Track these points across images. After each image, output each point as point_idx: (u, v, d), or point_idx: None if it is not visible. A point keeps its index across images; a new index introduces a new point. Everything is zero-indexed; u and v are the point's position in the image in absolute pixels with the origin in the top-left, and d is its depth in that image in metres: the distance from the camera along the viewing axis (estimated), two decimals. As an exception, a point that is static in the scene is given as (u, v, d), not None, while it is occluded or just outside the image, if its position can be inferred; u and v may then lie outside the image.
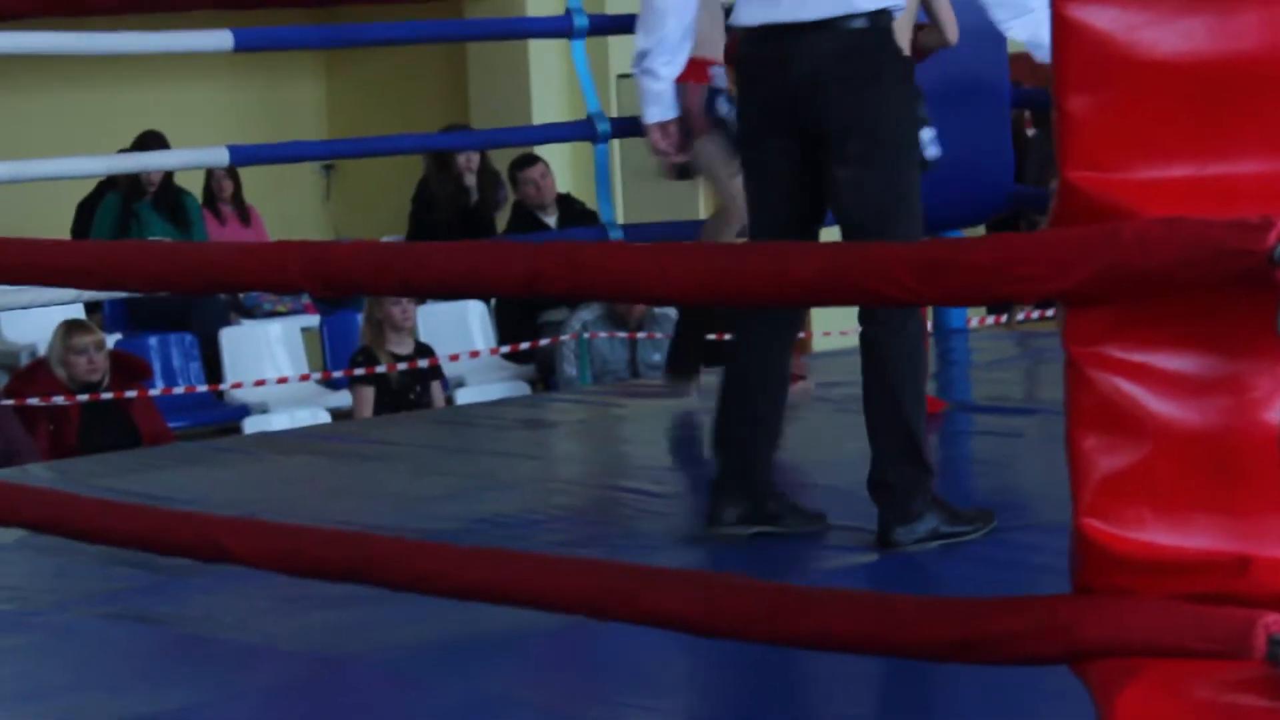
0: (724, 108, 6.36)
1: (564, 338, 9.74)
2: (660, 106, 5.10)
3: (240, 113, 13.86)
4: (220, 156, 7.98)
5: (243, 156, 8.21)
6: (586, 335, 9.56)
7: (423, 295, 8.60)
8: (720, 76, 6.39)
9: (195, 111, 13.09)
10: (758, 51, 4.72)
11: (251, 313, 10.67)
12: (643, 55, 4.98)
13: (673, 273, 2.44)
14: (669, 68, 5.00)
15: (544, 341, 10.05)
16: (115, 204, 10.78)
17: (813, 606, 2.56)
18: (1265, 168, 2.07)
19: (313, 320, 10.75)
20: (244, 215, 11.66)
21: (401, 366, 9.15)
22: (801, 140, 4.67)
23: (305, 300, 10.88)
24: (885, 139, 4.63)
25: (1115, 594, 2.12)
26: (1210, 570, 2.08)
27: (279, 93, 14.41)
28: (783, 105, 4.68)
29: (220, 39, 7.36)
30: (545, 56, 11.91)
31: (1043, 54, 4.60)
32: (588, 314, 9.67)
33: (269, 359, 10.16)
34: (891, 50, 4.70)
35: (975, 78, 7.19)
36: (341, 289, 3.88)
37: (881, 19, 4.59)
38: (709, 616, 2.56)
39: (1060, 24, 2.11)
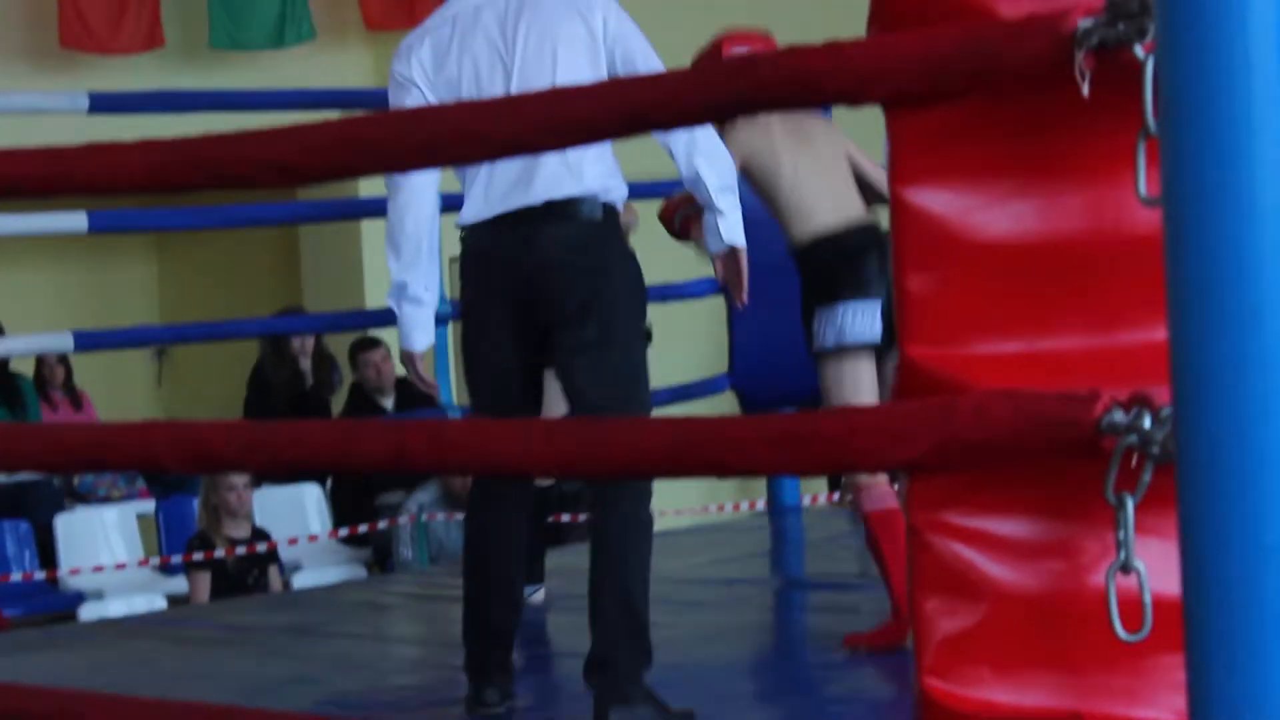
0: None
1: (401, 520, 9.73)
2: (426, 332, 5.01)
3: (69, 294, 13.58)
4: (64, 342, 7.92)
5: (87, 341, 8.10)
6: (424, 517, 9.56)
7: (292, 471, 8.58)
8: None
9: (23, 294, 12.79)
10: (489, 244, 4.80)
11: (86, 498, 10.55)
12: (404, 286, 4.88)
13: (536, 446, 2.52)
14: (432, 291, 4.95)
15: (381, 524, 10.03)
16: None
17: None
18: (1091, 343, 2.16)
19: (148, 506, 10.64)
20: (75, 400, 11.50)
21: (239, 551, 9.08)
22: (532, 329, 4.82)
23: (140, 485, 10.79)
24: (619, 324, 4.79)
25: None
26: None
27: (109, 274, 14.16)
28: (516, 296, 4.79)
29: (74, 220, 7.31)
30: (378, 238, 11.76)
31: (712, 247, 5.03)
32: (424, 496, 9.68)
33: (105, 545, 10.02)
34: (619, 234, 4.91)
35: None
36: (211, 467, 3.89)
37: (611, 205, 4.81)
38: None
39: (898, 206, 2.20)
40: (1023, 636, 2.17)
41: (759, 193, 5.81)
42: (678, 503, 12.28)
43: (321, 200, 11.19)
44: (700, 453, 2.40)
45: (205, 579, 8.92)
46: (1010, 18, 2.13)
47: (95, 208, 7.36)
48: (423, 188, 4.85)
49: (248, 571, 9.09)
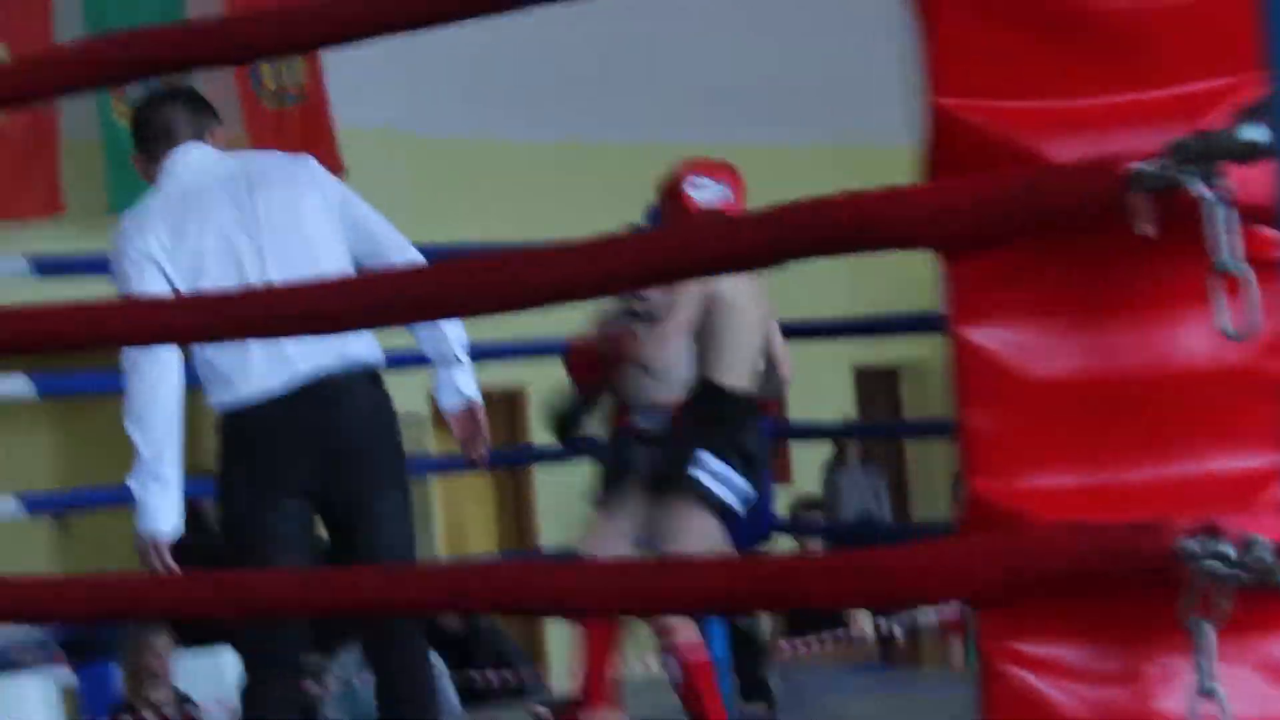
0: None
1: (327, 682, 9.66)
2: (173, 514, 4.84)
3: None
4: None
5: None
6: (355, 681, 9.51)
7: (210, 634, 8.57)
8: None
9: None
10: (270, 416, 4.82)
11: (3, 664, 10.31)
12: (153, 463, 4.76)
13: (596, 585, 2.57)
14: (177, 470, 4.83)
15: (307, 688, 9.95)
16: None
17: None
18: (1150, 475, 2.20)
19: (65, 674, 10.43)
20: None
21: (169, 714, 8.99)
22: (312, 496, 4.90)
23: (56, 654, 10.59)
24: (404, 484, 5.01)
25: None
26: None
27: (3, 438, 13.62)
28: (301, 467, 4.85)
29: (17, 384, 7.25)
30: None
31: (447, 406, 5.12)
32: (349, 658, 9.63)
33: (23, 715, 9.87)
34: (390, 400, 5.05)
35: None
36: (271, 612, 3.82)
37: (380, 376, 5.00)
38: None
39: (958, 345, 2.25)
40: None
41: (696, 338, 6.08)
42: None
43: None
44: (766, 588, 2.46)
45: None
46: (1058, 160, 2.20)
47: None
48: (172, 360, 4.77)
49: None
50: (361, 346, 4.83)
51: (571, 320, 9.02)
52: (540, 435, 11.45)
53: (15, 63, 4.59)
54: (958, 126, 2.25)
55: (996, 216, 2.21)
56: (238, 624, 4.98)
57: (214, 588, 3.36)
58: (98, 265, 8.23)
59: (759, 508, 6.85)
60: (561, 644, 13.39)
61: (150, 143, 5.03)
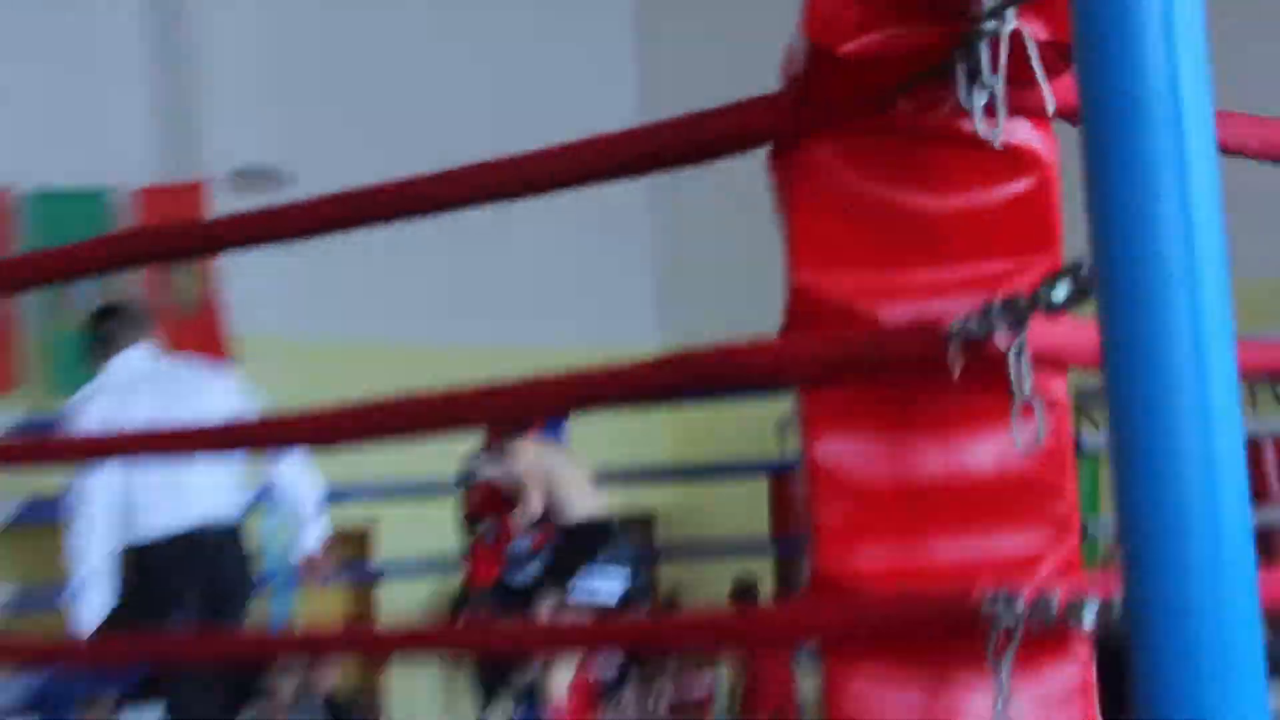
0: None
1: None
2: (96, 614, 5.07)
3: None
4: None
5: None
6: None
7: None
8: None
9: None
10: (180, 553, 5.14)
11: None
12: (88, 582, 5.02)
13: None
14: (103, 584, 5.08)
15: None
16: None
17: None
18: (955, 554, 2.28)
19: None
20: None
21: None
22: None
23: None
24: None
25: None
26: None
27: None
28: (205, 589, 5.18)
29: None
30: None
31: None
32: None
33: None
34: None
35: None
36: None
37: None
38: None
39: (808, 456, 2.31)
40: None
41: (548, 487, 6.33)
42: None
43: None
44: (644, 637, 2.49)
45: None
46: (886, 319, 2.30)
47: None
48: (102, 505, 5.03)
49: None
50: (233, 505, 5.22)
51: (415, 464, 9.04)
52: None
53: None
54: (810, 295, 2.33)
55: (836, 365, 2.31)
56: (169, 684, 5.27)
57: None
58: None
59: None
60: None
61: (97, 346, 5.21)
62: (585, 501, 6.55)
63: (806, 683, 10.36)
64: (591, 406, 2.71)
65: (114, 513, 4.95)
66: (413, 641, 3.32)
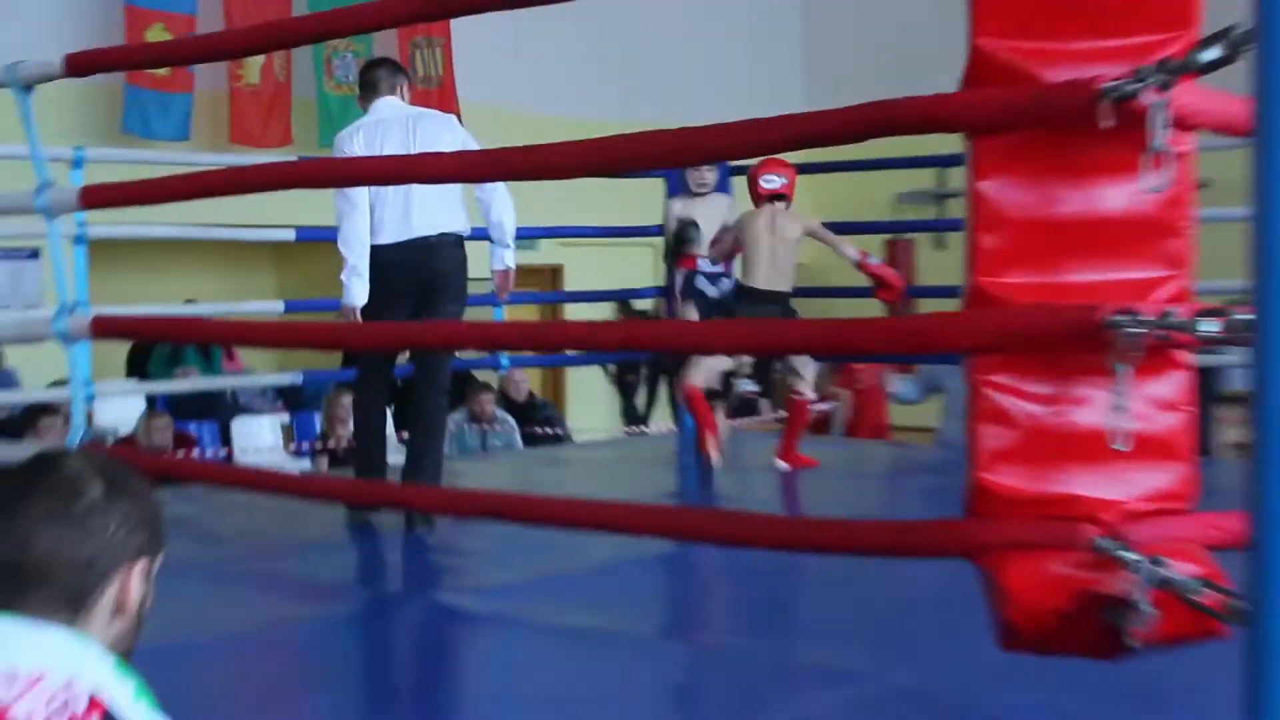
0: (702, 284, 6.61)
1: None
2: (363, 295, 5.12)
3: None
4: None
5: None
6: (453, 428, 9.53)
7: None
8: (704, 265, 6.60)
9: None
10: (397, 257, 5.16)
11: (248, 409, 10.34)
12: (355, 267, 5.07)
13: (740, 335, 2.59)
14: (365, 269, 5.12)
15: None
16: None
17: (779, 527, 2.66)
18: (1090, 278, 2.22)
19: (285, 416, 10.49)
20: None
21: (344, 443, 9.07)
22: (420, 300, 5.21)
23: (279, 404, 10.63)
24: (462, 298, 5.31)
25: (994, 516, 2.25)
26: (1055, 503, 2.19)
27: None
28: (416, 285, 5.20)
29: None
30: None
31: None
32: (458, 415, 9.65)
33: (260, 438, 9.92)
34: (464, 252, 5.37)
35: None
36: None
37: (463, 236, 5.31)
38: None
39: (972, 192, 2.24)
40: (1043, 451, 2.22)
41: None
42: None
43: None
44: (841, 340, 2.50)
45: (324, 462, 8.83)
46: (1050, 79, 2.22)
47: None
48: (365, 211, 5.08)
49: (350, 457, 9.01)
50: (454, 223, 5.23)
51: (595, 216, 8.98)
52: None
53: (261, 26, 4.77)
54: (989, 58, 2.26)
55: (1012, 114, 2.24)
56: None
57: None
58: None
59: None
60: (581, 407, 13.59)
61: (365, 89, 5.40)
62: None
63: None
64: (792, 146, 2.63)
65: (366, 221, 5.09)
66: (598, 335, 3.31)
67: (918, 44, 12.16)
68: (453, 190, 5.24)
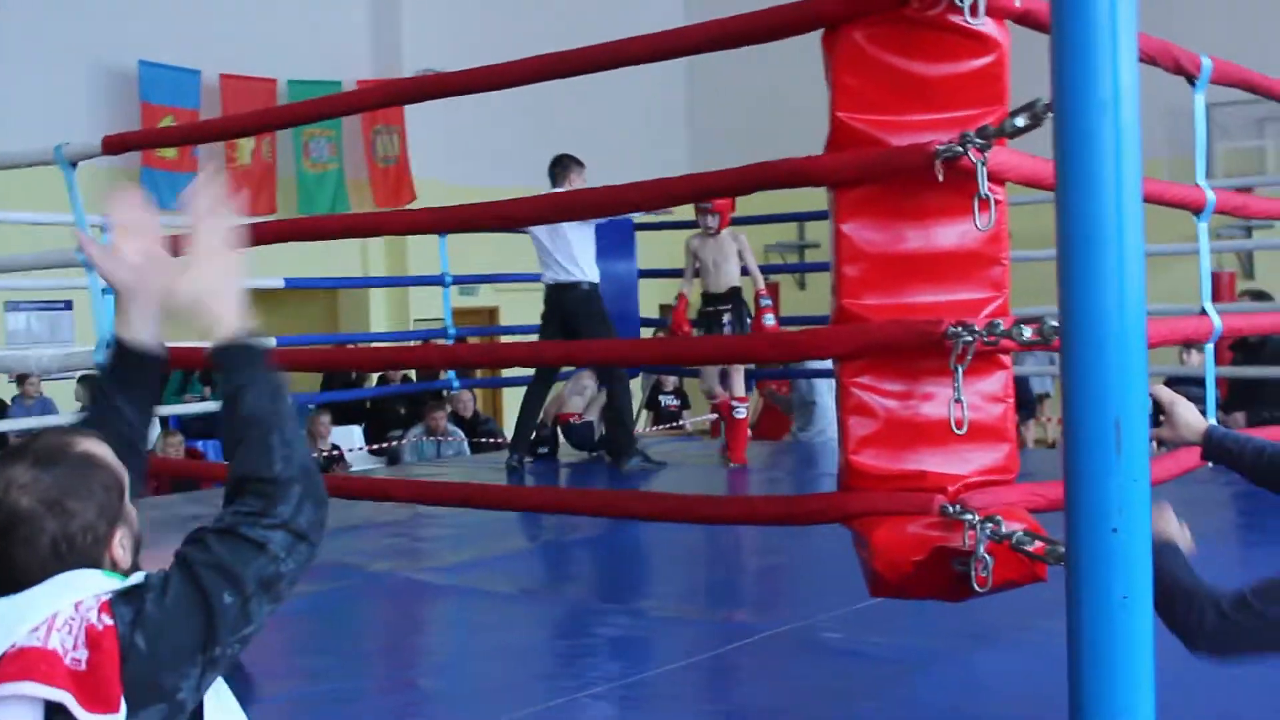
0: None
1: (405, 442, 9.58)
2: None
3: None
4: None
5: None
6: (414, 439, 9.44)
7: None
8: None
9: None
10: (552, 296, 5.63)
11: None
12: None
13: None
14: None
15: (393, 442, 9.88)
16: None
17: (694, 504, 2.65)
18: (930, 299, 2.24)
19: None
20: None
21: (322, 455, 8.94)
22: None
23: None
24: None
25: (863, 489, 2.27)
26: (910, 478, 2.21)
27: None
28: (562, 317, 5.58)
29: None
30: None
31: None
32: (415, 430, 9.54)
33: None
34: (597, 296, 5.70)
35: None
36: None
37: (593, 284, 5.67)
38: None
39: (836, 233, 2.25)
40: (899, 437, 2.24)
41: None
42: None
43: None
44: (730, 352, 2.48)
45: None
46: (895, 144, 2.23)
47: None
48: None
49: (327, 467, 8.84)
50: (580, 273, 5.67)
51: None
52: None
53: (253, 113, 4.77)
54: (847, 127, 2.27)
55: (865, 171, 2.26)
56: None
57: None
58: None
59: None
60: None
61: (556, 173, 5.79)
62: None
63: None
64: (698, 198, 2.61)
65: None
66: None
67: (787, 119, 12.26)
68: (569, 246, 5.58)
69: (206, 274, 1.53)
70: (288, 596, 1.46)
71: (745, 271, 6.10)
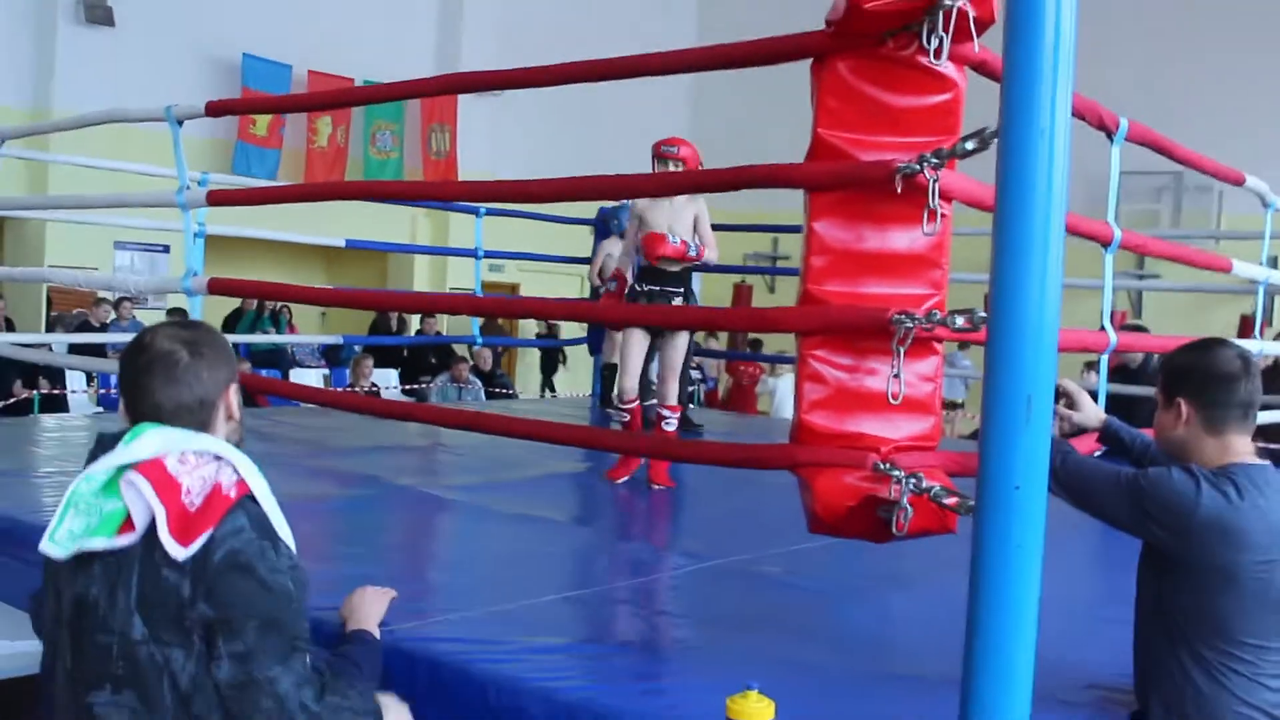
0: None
1: (433, 386, 9.55)
2: None
3: None
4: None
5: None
6: (438, 385, 9.40)
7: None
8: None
9: None
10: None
11: (302, 364, 10.09)
12: None
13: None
14: None
15: (422, 386, 9.85)
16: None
17: (669, 443, 2.61)
18: (883, 290, 2.19)
19: (326, 370, 10.23)
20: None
21: (369, 389, 8.90)
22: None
23: (322, 361, 10.37)
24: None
25: (810, 444, 2.24)
26: (850, 438, 2.18)
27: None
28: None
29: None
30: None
31: None
32: (441, 378, 9.50)
33: (308, 384, 9.66)
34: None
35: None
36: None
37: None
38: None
39: (809, 230, 2.20)
40: (844, 403, 2.20)
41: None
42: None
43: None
44: (711, 323, 2.42)
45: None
46: (864, 159, 2.20)
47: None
48: None
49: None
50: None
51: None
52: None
53: (334, 91, 4.69)
54: (825, 142, 2.23)
55: (837, 179, 2.22)
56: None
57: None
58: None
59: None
60: (524, 377, 13.38)
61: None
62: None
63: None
64: (696, 190, 2.56)
65: None
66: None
67: (774, 131, 12.17)
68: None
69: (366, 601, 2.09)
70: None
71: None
